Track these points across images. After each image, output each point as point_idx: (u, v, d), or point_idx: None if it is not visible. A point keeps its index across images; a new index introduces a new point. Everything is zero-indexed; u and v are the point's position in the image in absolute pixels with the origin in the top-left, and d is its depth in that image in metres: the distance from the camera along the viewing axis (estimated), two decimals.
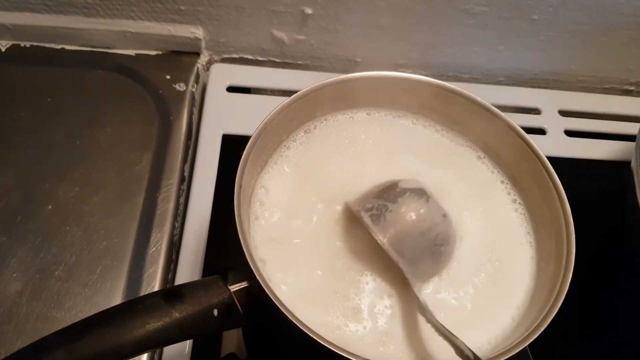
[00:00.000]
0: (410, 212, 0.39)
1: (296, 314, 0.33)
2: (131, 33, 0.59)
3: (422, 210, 0.39)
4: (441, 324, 0.35)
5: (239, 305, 0.35)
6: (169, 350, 0.44)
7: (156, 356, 0.45)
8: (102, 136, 0.55)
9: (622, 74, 0.68)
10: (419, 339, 0.37)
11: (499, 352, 0.34)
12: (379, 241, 0.37)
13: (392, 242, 0.37)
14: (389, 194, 0.40)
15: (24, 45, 0.60)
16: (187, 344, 0.44)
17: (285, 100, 0.43)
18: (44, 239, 0.49)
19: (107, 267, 0.48)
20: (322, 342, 0.32)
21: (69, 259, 0.48)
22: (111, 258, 0.48)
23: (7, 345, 0.43)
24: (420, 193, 0.40)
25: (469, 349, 0.33)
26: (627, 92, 0.70)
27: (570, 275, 0.36)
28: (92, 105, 0.57)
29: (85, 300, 0.46)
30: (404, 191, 0.40)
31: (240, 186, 0.38)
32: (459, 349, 0.33)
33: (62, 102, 0.57)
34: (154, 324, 0.31)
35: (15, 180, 0.51)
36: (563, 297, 0.36)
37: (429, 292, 0.39)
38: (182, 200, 0.53)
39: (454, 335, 0.34)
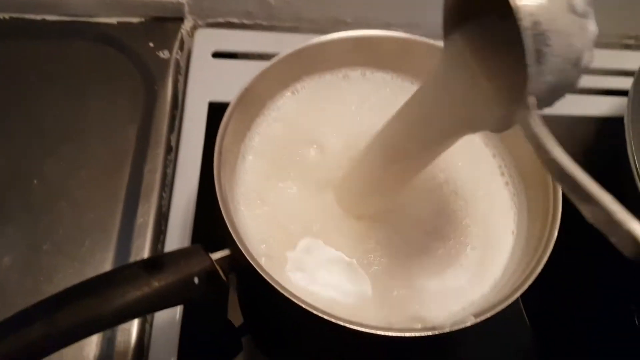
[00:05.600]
0: None
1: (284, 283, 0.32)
2: None
3: None
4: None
5: (222, 273, 0.35)
6: (160, 318, 0.44)
7: (147, 325, 0.45)
8: (87, 108, 0.54)
9: (620, 28, 0.66)
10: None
11: (490, 306, 0.33)
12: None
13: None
14: None
15: (3, 18, 0.58)
16: (177, 311, 0.44)
17: (267, 64, 0.42)
18: (32, 214, 0.48)
19: (95, 240, 0.47)
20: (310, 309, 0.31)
21: (57, 233, 0.47)
22: (99, 231, 0.48)
23: None
24: None
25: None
26: (626, 47, 0.68)
27: (556, 233, 0.36)
28: (76, 77, 0.56)
29: (75, 274, 0.46)
30: None
31: (220, 153, 0.37)
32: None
33: (45, 75, 0.56)
34: (134, 293, 0.31)
35: (0, 157, 0.51)
36: (548, 253, 0.35)
37: None
38: (169, 170, 0.52)
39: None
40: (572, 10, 0.25)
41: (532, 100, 0.27)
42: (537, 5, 0.25)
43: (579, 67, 0.26)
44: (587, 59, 0.26)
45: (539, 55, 0.25)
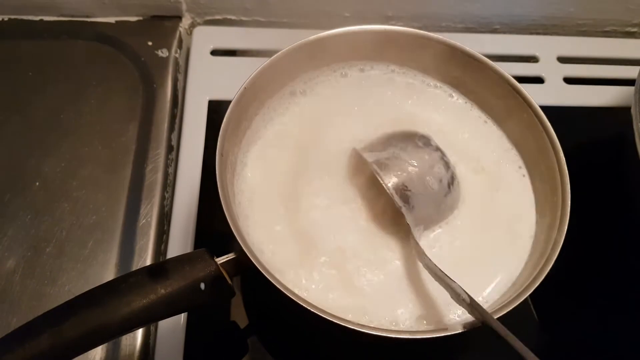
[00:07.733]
0: (414, 160, 0.39)
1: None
2: None
3: (427, 157, 0.40)
4: (439, 268, 0.34)
5: (227, 277, 0.34)
6: (165, 321, 0.44)
7: (152, 328, 0.44)
8: (86, 108, 0.53)
9: (623, 15, 0.65)
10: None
11: (500, 305, 0.33)
12: (384, 185, 0.38)
13: (397, 187, 0.38)
14: (397, 141, 0.41)
15: (2, 19, 0.58)
16: (182, 314, 0.44)
17: (265, 61, 0.41)
18: (34, 216, 0.48)
19: (98, 241, 0.47)
20: (316, 311, 0.31)
21: (60, 235, 0.47)
22: (102, 232, 0.48)
23: (2, 324, 0.43)
24: (426, 141, 0.41)
25: (464, 291, 0.32)
26: (629, 35, 0.67)
27: (566, 227, 0.35)
28: (74, 76, 0.55)
29: (78, 276, 0.46)
30: (411, 139, 0.41)
31: (221, 155, 0.37)
32: (454, 292, 0.33)
33: (43, 75, 0.55)
34: (139, 301, 0.31)
35: (0, 158, 0.50)
36: (559, 249, 0.35)
37: (431, 237, 0.40)
38: (170, 170, 0.52)
39: (451, 279, 0.33)
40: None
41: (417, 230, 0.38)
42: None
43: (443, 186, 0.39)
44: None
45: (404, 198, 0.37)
